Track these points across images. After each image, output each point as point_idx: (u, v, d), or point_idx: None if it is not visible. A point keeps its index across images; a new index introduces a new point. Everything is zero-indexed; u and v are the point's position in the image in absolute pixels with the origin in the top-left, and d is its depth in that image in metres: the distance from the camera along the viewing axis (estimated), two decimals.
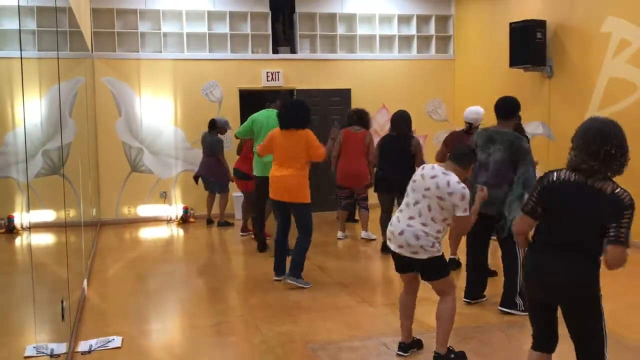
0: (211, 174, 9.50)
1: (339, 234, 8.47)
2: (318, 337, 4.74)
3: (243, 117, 10.25)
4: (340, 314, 5.30)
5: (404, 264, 4.24)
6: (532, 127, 8.99)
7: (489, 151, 5.21)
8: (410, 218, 4.10)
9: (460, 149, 4.29)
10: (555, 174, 3.08)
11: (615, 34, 7.86)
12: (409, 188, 4.21)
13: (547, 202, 3.08)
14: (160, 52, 10.20)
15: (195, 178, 9.63)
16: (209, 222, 9.86)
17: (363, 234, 8.36)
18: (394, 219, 4.23)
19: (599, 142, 2.92)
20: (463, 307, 5.44)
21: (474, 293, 5.51)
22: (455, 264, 6.52)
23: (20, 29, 3.21)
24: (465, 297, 5.49)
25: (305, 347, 4.54)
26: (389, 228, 4.21)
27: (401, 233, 4.10)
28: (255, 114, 7.44)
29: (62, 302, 4.11)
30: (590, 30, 8.24)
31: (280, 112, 6.32)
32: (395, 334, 4.79)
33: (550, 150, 8.74)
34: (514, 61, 9.04)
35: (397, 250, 4.15)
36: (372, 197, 8.02)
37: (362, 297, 5.77)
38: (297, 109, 6.16)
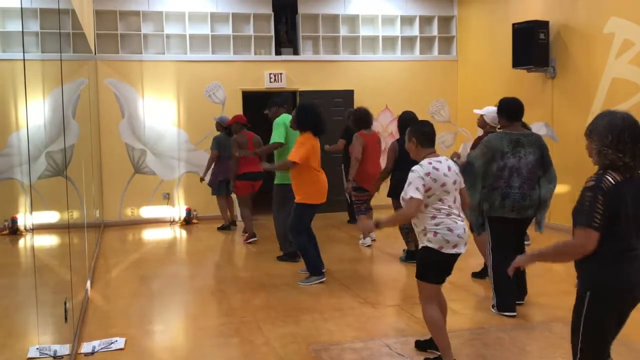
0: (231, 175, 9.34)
1: (367, 240, 8.11)
2: (321, 339, 4.74)
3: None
4: (343, 315, 5.29)
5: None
6: (535, 128, 8.95)
7: (520, 155, 5.07)
8: (458, 216, 4.03)
9: (422, 129, 4.12)
10: (608, 177, 2.83)
11: (619, 35, 7.84)
12: (440, 192, 3.93)
13: (614, 209, 2.80)
14: (163, 53, 10.23)
15: (227, 182, 9.26)
16: (231, 226, 9.57)
17: (368, 240, 8.12)
18: (449, 225, 3.93)
19: (633, 139, 2.81)
20: (465, 309, 5.43)
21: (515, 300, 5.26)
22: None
23: (23, 31, 3.22)
24: (505, 310, 5.16)
25: (308, 349, 4.54)
26: (455, 233, 3.93)
27: (464, 230, 4.01)
28: (284, 119, 7.04)
29: (65, 303, 4.11)
30: (593, 31, 8.22)
31: (319, 119, 6.33)
32: (398, 334, 4.79)
33: (553, 151, 8.68)
34: (517, 62, 9.04)
35: (463, 250, 4.03)
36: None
37: (365, 298, 5.77)
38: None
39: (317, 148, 6.31)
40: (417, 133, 4.09)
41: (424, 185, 3.89)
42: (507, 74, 9.54)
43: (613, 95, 7.90)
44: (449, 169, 4.02)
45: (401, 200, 4.00)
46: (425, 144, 4.08)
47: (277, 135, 6.99)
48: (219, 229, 9.56)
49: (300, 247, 6.42)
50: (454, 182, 4.01)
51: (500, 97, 5.55)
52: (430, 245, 3.95)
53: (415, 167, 3.99)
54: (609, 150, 2.83)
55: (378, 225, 4.02)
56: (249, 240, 8.52)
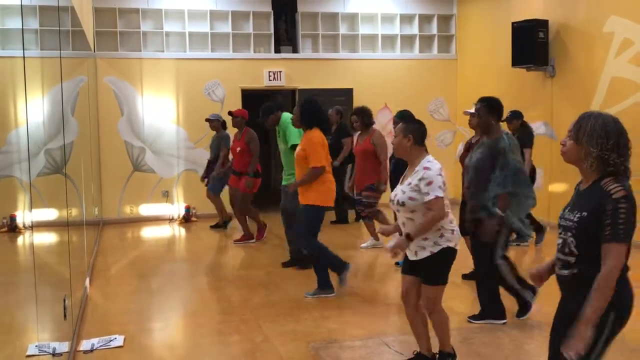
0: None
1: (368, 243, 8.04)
2: (320, 337, 4.74)
3: None
4: (342, 314, 5.30)
5: None
6: (534, 127, 8.96)
7: (471, 154, 5.03)
8: None
9: (422, 128, 4.00)
10: (628, 185, 2.61)
11: (618, 34, 7.85)
12: (445, 188, 3.85)
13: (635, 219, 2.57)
14: (163, 51, 10.22)
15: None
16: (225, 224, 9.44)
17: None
18: (453, 220, 3.91)
19: (628, 143, 2.64)
20: (463, 308, 5.43)
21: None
22: None
23: (22, 28, 3.21)
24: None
25: (308, 347, 4.55)
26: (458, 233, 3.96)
27: None
28: (288, 119, 6.68)
29: (64, 301, 4.11)
30: (593, 30, 8.23)
31: (324, 114, 6.06)
32: (396, 333, 4.79)
33: (552, 150, 8.72)
34: (516, 61, 9.04)
35: None
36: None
37: (364, 297, 5.77)
38: None
39: (327, 144, 5.87)
40: (417, 132, 3.90)
41: (444, 182, 3.77)
42: (507, 73, 9.54)
43: (612, 94, 7.90)
44: None
45: (421, 202, 3.74)
46: (421, 143, 3.93)
47: (295, 136, 6.53)
48: (225, 225, 9.43)
49: (314, 254, 5.78)
50: None
51: (499, 96, 5.45)
52: (450, 244, 3.83)
53: (428, 164, 3.79)
54: (612, 155, 2.59)
55: (409, 237, 3.77)
56: (264, 237, 8.43)
